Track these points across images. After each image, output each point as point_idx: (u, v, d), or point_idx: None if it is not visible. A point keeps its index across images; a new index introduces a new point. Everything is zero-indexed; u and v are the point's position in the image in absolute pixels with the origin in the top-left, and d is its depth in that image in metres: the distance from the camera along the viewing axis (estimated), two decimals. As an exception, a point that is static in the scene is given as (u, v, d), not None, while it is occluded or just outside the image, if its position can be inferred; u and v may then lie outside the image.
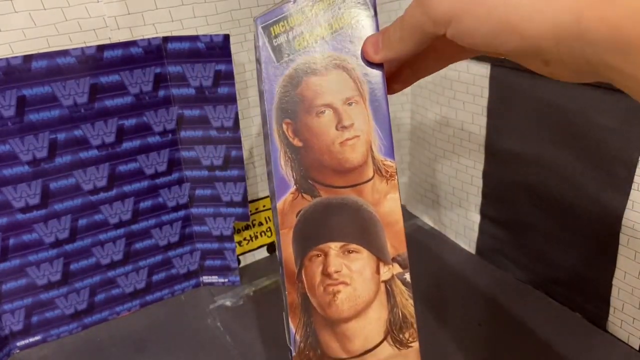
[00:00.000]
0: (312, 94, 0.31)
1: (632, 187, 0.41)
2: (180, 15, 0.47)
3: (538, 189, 0.49)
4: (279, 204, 0.31)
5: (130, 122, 0.47)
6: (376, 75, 0.31)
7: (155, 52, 0.46)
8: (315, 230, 0.31)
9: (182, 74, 0.48)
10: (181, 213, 0.53)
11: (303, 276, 0.31)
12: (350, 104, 0.31)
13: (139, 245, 0.51)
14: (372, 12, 0.30)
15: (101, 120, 0.46)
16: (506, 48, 0.23)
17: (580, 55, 0.21)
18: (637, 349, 0.45)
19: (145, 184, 0.50)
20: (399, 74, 0.33)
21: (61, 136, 0.44)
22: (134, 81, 0.46)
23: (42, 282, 0.48)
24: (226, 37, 0.46)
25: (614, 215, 0.43)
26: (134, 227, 0.51)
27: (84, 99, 0.44)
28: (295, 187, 0.31)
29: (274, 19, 0.30)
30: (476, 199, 0.57)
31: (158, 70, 0.47)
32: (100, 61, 0.44)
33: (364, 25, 0.30)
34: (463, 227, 0.60)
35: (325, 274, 0.31)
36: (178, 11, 0.47)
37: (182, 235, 0.54)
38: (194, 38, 0.46)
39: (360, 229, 0.31)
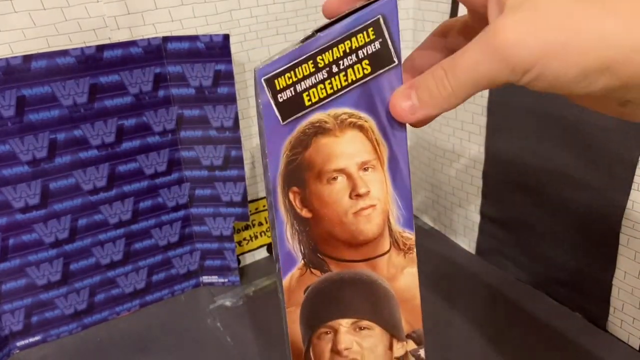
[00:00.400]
0: (323, 158, 0.27)
1: (632, 187, 0.41)
2: (180, 15, 0.47)
3: (538, 189, 0.49)
4: (285, 281, 0.28)
5: (130, 122, 0.47)
6: (397, 136, 0.27)
7: (155, 52, 0.46)
8: (324, 306, 0.29)
9: (182, 74, 0.48)
10: (181, 213, 0.53)
11: (311, 355, 0.29)
12: (366, 169, 0.27)
13: (138, 245, 0.51)
14: (397, 62, 0.25)
15: (101, 120, 0.46)
16: (590, 90, 0.21)
17: None
18: (637, 349, 0.45)
19: (145, 184, 0.50)
20: None
21: (61, 136, 0.44)
22: (134, 81, 0.46)
23: (42, 282, 0.47)
24: (226, 37, 0.46)
25: (614, 215, 0.43)
26: (134, 227, 0.51)
27: (83, 99, 0.44)
28: (303, 261, 0.28)
29: (279, 70, 0.25)
30: (476, 199, 0.57)
31: (158, 70, 0.47)
32: (100, 61, 0.44)
33: (386, 77, 0.25)
34: (463, 227, 0.60)
35: (335, 351, 0.29)
36: (178, 11, 0.47)
37: (182, 235, 0.54)
38: (193, 38, 0.46)
39: (373, 305, 0.29)
